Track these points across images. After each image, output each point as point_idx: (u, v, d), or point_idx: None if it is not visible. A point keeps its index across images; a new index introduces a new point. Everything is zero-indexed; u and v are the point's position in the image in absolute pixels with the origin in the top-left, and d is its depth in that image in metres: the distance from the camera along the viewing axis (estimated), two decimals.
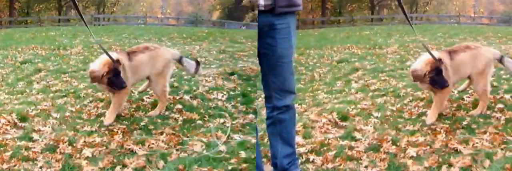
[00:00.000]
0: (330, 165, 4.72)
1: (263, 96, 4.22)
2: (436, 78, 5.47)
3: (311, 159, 4.83)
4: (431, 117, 5.65)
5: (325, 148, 5.09)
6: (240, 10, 14.90)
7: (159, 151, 4.94)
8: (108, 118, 5.73)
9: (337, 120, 5.90)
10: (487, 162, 4.52)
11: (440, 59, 5.44)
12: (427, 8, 12.37)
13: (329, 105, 6.59)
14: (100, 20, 15.21)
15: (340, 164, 4.71)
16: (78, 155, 4.88)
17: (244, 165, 4.67)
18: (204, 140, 5.22)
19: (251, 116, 6.01)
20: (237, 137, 5.33)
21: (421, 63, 5.53)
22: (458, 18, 15.15)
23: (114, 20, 15.26)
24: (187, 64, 6.36)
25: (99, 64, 5.60)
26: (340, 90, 7.36)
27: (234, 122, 5.77)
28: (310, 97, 7.05)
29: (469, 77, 6.00)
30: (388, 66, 8.67)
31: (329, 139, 5.32)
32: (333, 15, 13.32)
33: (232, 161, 4.75)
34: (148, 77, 6.19)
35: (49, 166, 4.67)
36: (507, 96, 6.33)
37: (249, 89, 7.11)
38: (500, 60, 6.00)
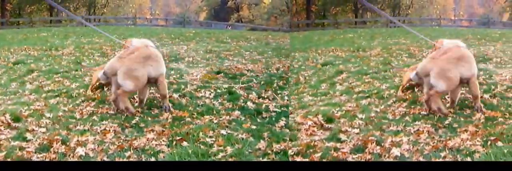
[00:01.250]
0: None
1: None
2: None
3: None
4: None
5: (311, 150, 5.11)
6: (226, 11, 14.95)
7: (151, 149, 4.98)
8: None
9: (322, 122, 5.91)
10: (468, 160, 4.62)
11: None
12: (409, 11, 12.45)
13: (314, 108, 6.61)
14: (91, 21, 15.17)
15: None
16: (71, 154, 4.90)
17: (231, 159, 4.74)
18: (193, 136, 5.27)
19: (237, 112, 6.08)
20: (224, 132, 5.38)
21: None
22: (439, 21, 15.24)
23: (105, 21, 15.22)
24: None
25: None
26: (325, 92, 7.39)
27: (221, 119, 5.85)
28: (296, 100, 7.06)
29: None
30: (372, 68, 8.69)
31: (315, 141, 5.34)
32: (317, 18, 13.36)
33: (220, 156, 4.81)
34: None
35: None
36: (486, 96, 6.46)
37: (237, 87, 7.17)
38: None
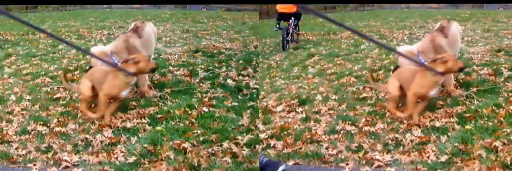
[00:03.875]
0: (290, 149, 4.75)
1: None
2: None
3: (272, 144, 4.87)
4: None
5: (285, 132, 5.12)
6: None
7: (132, 127, 4.98)
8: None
9: (296, 104, 5.90)
10: (444, 138, 4.66)
11: None
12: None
13: (287, 91, 6.60)
14: (67, 6, 14.97)
15: (301, 148, 4.75)
16: (51, 134, 4.89)
17: (214, 135, 4.73)
18: (176, 114, 5.26)
19: (219, 89, 6.04)
20: (206, 109, 5.37)
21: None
22: (408, 4, 15.33)
23: (80, 6, 15.04)
24: None
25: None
26: (297, 75, 7.37)
27: (202, 96, 5.80)
28: (268, 84, 7.06)
29: None
30: (343, 50, 8.69)
31: (288, 123, 5.35)
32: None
33: (201, 131, 4.82)
34: None
35: (24, 147, 4.67)
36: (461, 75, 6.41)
37: (216, 65, 7.12)
38: None
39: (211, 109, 5.40)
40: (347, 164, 4.41)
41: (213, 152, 4.47)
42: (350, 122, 5.19)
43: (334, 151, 4.63)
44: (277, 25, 9.81)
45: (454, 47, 5.62)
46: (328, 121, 5.32)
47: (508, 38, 8.60)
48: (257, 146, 4.57)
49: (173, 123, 5.05)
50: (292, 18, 9.68)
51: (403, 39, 9.30)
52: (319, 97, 6.10)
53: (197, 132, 4.79)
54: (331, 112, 5.60)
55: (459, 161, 4.24)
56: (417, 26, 11.17)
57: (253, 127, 4.96)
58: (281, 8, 9.77)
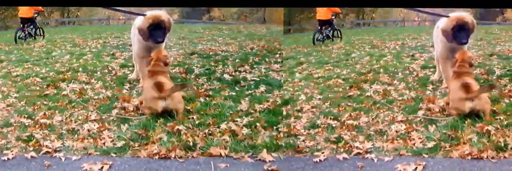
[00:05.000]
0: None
1: None
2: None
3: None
4: None
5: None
6: (197, 12, 14.86)
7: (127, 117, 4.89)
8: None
9: (277, 103, 5.71)
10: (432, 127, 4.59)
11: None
12: (373, 15, 12.40)
13: (269, 94, 6.46)
14: (65, 23, 14.99)
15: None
16: (36, 125, 4.79)
17: (211, 119, 4.68)
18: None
19: (215, 83, 5.96)
20: (202, 100, 5.30)
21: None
22: (402, 23, 15.34)
23: (79, 24, 15.05)
24: None
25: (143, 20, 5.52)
26: (283, 80, 7.27)
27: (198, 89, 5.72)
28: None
29: None
30: (333, 58, 8.64)
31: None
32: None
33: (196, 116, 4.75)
34: None
35: (3, 137, 4.57)
36: None
37: (212, 64, 7.02)
38: None
39: (207, 98, 5.32)
40: (322, 153, 4.31)
41: (210, 132, 4.38)
42: (332, 117, 5.09)
43: (311, 143, 4.53)
44: (320, 30, 9.98)
45: None
46: (310, 118, 5.18)
47: (500, 45, 8.58)
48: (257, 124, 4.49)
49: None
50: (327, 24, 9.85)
51: (395, 48, 9.26)
52: (303, 97, 5.95)
53: (192, 117, 4.71)
54: (314, 110, 5.46)
55: (447, 146, 4.15)
56: (410, 37, 11.13)
57: (252, 111, 4.92)
58: (318, 16, 9.89)
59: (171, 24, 5.66)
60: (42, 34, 9.50)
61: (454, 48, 5.44)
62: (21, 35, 9.33)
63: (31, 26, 9.56)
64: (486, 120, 4.62)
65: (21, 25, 9.49)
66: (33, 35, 9.43)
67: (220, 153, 4.19)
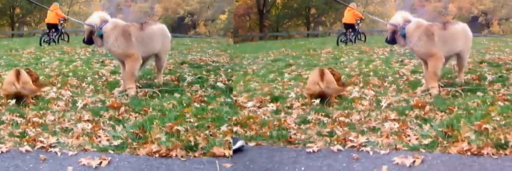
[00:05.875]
0: (253, 132, 4.65)
1: None
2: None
3: (234, 130, 4.70)
4: (433, 86, 5.66)
5: (251, 120, 4.96)
6: (183, 28, 14.86)
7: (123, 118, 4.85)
8: (129, 89, 5.71)
9: (267, 100, 5.76)
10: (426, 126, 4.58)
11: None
12: (360, 25, 12.36)
13: (259, 91, 6.41)
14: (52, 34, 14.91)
15: (265, 132, 4.63)
16: (29, 124, 4.71)
17: (210, 123, 4.62)
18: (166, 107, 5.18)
19: (209, 90, 5.94)
20: (198, 105, 5.26)
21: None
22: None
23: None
24: None
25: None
26: (273, 79, 7.26)
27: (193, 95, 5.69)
28: (241, 86, 6.88)
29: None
30: (322, 62, 8.66)
31: (256, 114, 5.22)
32: (270, 32, 13.30)
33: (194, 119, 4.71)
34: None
35: None
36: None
37: (204, 73, 6.98)
38: None
39: (202, 104, 5.28)
40: (315, 144, 4.27)
41: (211, 133, 4.35)
42: (323, 114, 5.07)
43: (303, 136, 4.51)
44: (344, 33, 10.09)
45: (448, 44, 5.70)
46: (300, 114, 5.17)
47: (489, 54, 8.66)
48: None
49: (161, 114, 4.94)
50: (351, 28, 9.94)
51: (383, 53, 9.30)
52: (292, 95, 5.95)
53: (190, 120, 4.67)
54: (303, 107, 5.45)
55: (445, 142, 4.14)
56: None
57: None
58: (344, 20, 9.98)
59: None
60: (67, 39, 9.74)
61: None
62: (45, 39, 9.50)
63: (55, 32, 9.66)
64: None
65: (47, 30, 9.61)
66: (56, 40, 9.58)
67: (224, 153, 4.13)
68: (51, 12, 8.56)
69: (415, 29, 5.65)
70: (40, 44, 9.18)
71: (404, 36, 5.69)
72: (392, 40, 5.87)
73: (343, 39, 10.10)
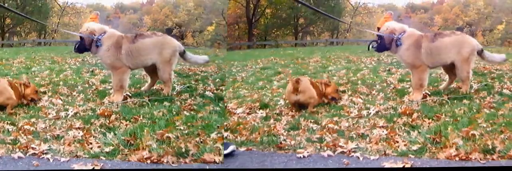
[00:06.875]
0: (244, 138, 4.68)
1: None
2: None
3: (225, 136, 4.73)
4: (416, 96, 5.72)
5: (241, 126, 5.00)
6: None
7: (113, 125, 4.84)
8: (115, 97, 5.71)
9: (257, 107, 5.78)
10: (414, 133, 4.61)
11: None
12: (348, 35, 12.56)
13: (248, 98, 6.42)
14: (42, 44, 14.86)
15: (256, 137, 4.66)
16: (21, 131, 4.68)
17: (200, 130, 4.60)
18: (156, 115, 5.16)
19: (198, 98, 5.90)
20: (187, 113, 5.26)
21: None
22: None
23: (55, 45, 14.94)
24: (190, 57, 6.48)
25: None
26: (262, 86, 7.27)
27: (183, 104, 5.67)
28: (231, 93, 6.90)
29: (448, 72, 6.13)
30: (310, 70, 8.69)
31: (246, 120, 5.24)
32: (259, 41, 13.31)
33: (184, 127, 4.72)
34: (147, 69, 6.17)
35: None
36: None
37: (193, 82, 6.96)
38: (480, 52, 6.12)
39: (192, 112, 5.28)
40: (305, 149, 4.30)
41: (201, 140, 4.35)
42: (312, 121, 5.11)
43: (293, 142, 4.53)
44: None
45: (434, 55, 5.77)
46: (289, 120, 5.20)
47: (475, 63, 8.73)
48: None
49: (151, 121, 4.93)
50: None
51: (371, 63, 9.36)
52: (281, 102, 5.97)
53: (180, 128, 4.67)
54: (292, 113, 5.49)
55: (433, 148, 4.17)
56: (385, 54, 11.26)
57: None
58: (379, 24, 10.02)
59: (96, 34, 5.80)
60: None
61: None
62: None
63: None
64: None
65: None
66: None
67: (214, 160, 4.14)
68: (91, 20, 8.55)
69: (407, 38, 5.76)
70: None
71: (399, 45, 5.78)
72: (383, 47, 5.94)
73: (374, 46, 10.04)
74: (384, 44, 5.92)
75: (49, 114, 5.27)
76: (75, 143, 4.34)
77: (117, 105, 5.59)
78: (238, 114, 5.55)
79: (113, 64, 5.80)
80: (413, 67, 5.79)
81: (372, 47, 8.93)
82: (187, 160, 4.12)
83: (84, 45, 5.85)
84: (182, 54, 6.32)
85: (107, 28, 5.95)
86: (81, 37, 5.88)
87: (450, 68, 6.03)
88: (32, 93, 5.67)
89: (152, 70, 6.16)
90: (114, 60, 5.78)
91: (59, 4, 10.17)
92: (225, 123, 5.03)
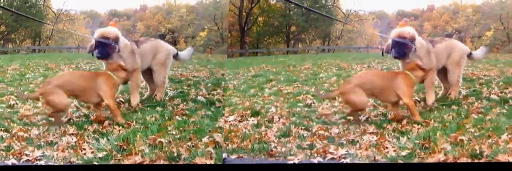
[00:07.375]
0: (235, 145, 4.72)
1: None
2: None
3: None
4: (430, 98, 5.86)
5: (232, 133, 5.04)
6: None
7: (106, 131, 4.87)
8: (133, 100, 5.83)
9: (248, 115, 5.82)
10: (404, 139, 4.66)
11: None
12: (339, 42, 12.58)
13: (240, 105, 6.47)
14: (36, 51, 14.85)
15: (247, 145, 4.70)
16: (15, 138, 4.71)
17: (191, 135, 4.68)
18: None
19: (190, 103, 5.99)
20: (179, 118, 5.33)
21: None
22: (366, 50, 15.58)
23: (49, 52, 14.93)
24: (180, 55, 6.64)
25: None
26: (253, 94, 7.31)
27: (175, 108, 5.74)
28: (223, 101, 6.94)
29: (443, 80, 6.24)
30: (301, 77, 8.73)
31: (237, 128, 5.28)
32: (251, 49, 13.31)
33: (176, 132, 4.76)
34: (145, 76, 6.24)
35: None
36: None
37: (185, 88, 7.01)
38: (469, 55, 6.29)
39: (184, 117, 5.34)
40: (295, 157, 4.35)
41: (193, 144, 4.37)
42: (303, 127, 5.17)
43: (283, 149, 4.59)
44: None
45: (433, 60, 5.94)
46: (280, 128, 5.24)
47: (464, 69, 8.80)
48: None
49: (144, 127, 4.97)
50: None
51: (361, 69, 9.41)
52: (273, 109, 6.03)
53: (172, 132, 4.71)
54: (283, 120, 5.53)
55: (422, 154, 4.21)
56: (376, 62, 11.32)
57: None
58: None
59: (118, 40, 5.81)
60: None
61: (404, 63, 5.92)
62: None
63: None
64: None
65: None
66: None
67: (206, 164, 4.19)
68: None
69: (421, 45, 5.90)
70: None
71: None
72: (403, 54, 5.94)
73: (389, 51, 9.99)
74: (404, 50, 5.94)
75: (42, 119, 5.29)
76: (69, 149, 4.35)
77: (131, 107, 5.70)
78: (229, 121, 5.58)
79: (133, 68, 5.91)
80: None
81: (387, 52, 8.91)
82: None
83: (108, 50, 5.82)
84: (175, 57, 6.48)
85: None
86: (101, 42, 5.83)
87: (445, 75, 6.17)
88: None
89: (149, 75, 6.28)
90: (134, 64, 5.93)
91: (53, 11, 10.11)
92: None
